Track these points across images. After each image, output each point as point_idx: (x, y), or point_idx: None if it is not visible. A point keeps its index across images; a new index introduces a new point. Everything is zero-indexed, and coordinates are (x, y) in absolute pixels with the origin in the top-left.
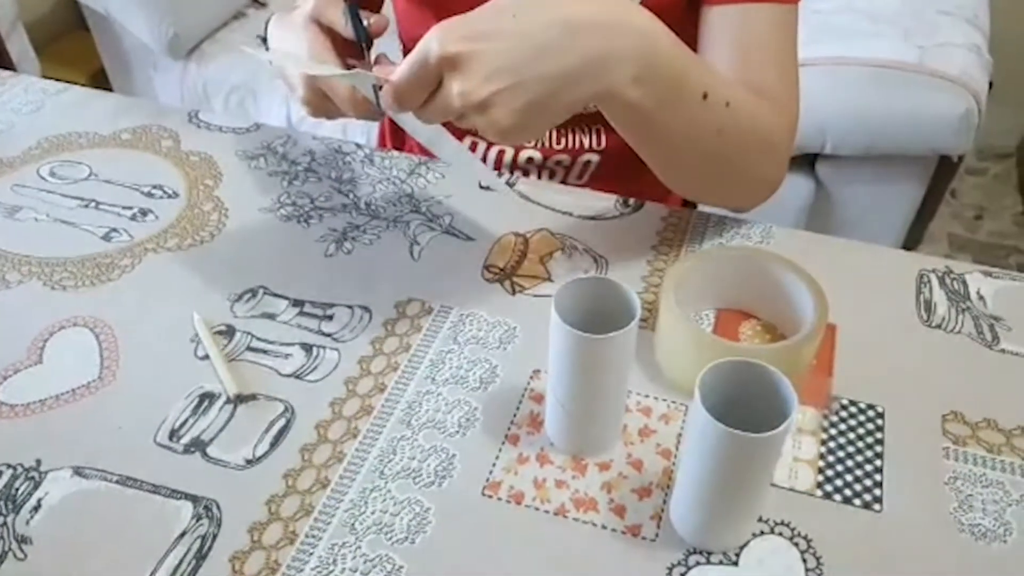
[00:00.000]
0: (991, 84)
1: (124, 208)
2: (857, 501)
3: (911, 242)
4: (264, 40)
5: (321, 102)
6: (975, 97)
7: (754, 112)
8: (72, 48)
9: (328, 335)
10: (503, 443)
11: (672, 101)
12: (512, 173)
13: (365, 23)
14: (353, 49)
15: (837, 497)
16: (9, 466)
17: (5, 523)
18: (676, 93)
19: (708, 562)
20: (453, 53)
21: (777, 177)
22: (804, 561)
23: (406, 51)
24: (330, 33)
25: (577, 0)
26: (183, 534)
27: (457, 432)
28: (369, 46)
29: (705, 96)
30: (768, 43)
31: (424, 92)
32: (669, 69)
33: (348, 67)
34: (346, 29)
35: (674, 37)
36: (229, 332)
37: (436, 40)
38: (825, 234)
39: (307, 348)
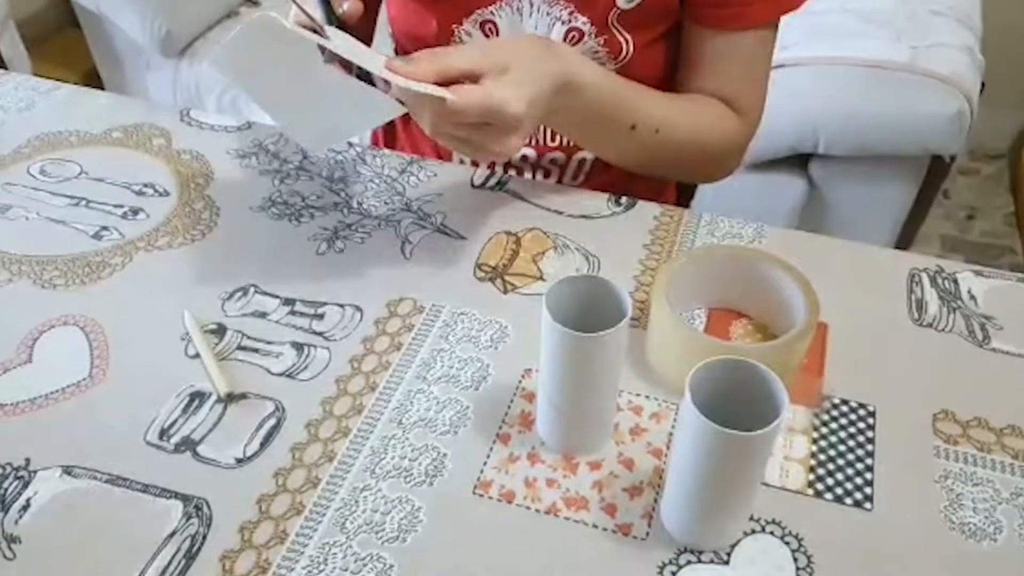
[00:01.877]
0: (983, 85)
1: (115, 206)
2: (848, 500)
3: (903, 242)
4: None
5: None
6: (967, 97)
7: (691, 131)
8: (64, 46)
9: (319, 334)
10: (494, 442)
11: (600, 134)
12: (506, 172)
13: (340, 11)
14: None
15: (828, 496)
16: None
17: None
18: (604, 129)
19: (699, 561)
20: (522, 115)
21: (724, 169)
22: (795, 560)
23: (400, 49)
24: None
25: (551, 59)
26: (173, 533)
27: (448, 431)
28: (338, 24)
29: (633, 127)
30: (744, 61)
31: (477, 120)
32: (597, 113)
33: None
34: (315, 10)
35: (607, 82)
36: (220, 331)
37: (516, 101)
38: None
39: (298, 347)
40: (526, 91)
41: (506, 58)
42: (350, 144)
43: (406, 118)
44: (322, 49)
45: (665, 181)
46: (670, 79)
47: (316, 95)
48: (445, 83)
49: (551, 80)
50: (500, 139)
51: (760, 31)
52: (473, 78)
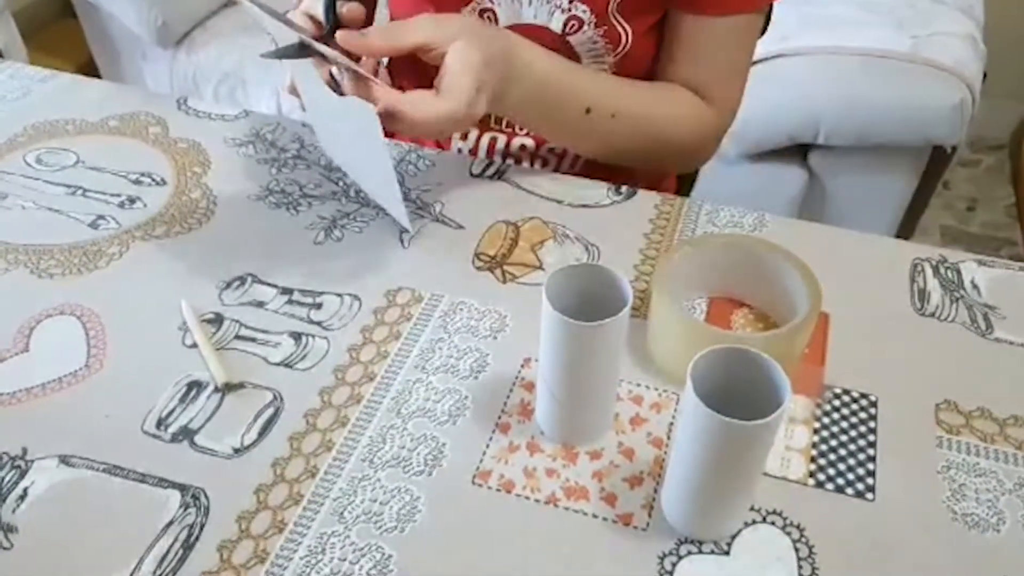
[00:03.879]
0: (985, 74)
1: (112, 195)
2: (850, 490)
3: (903, 233)
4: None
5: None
6: (969, 87)
7: (650, 117)
8: (60, 37)
9: (317, 323)
10: (493, 432)
11: (552, 117)
12: (504, 161)
13: (339, 9)
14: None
15: (829, 486)
16: None
17: None
18: (555, 111)
19: (700, 551)
20: (477, 105)
21: (694, 158)
22: (796, 550)
23: None
24: (318, 25)
25: (495, 30)
26: (171, 523)
27: (447, 421)
28: (334, 27)
29: (588, 111)
30: (721, 49)
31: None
32: (545, 95)
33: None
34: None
35: (558, 66)
36: (217, 320)
37: (486, 75)
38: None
39: (296, 336)
40: (473, 78)
41: (456, 28)
42: None
43: None
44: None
45: (664, 171)
46: None
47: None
48: (398, 57)
49: (500, 45)
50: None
51: (741, 18)
52: (425, 51)
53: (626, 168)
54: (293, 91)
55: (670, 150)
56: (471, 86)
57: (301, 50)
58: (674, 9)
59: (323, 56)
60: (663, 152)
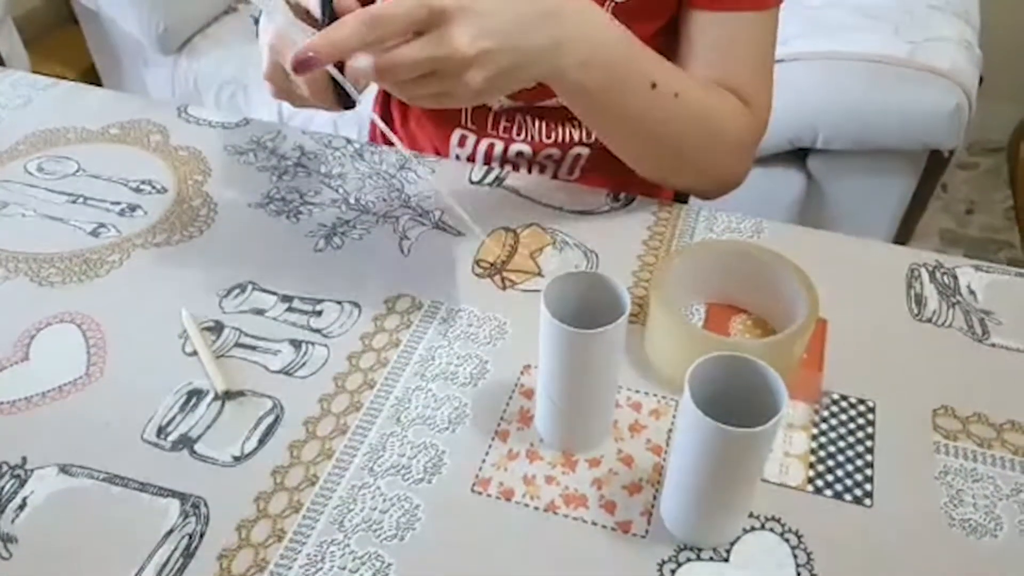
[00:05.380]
0: (981, 79)
1: (112, 203)
2: (848, 496)
3: (902, 237)
4: (257, 21)
5: (283, 80)
6: (966, 91)
7: (709, 106)
8: (62, 43)
9: (317, 331)
10: (493, 439)
11: (616, 87)
12: (502, 168)
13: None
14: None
15: (828, 492)
16: None
17: None
18: (620, 80)
19: (699, 558)
20: (452, 4)
21: (736, 170)
22: (795, 556)
23: None
24: (309, 17)
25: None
26: (170, 532)
27: (447, 428)
28: (330, 20)
29: (653, 86)
30: (745, 46)
31: (405, 30)
32: (614, 58)
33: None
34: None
35: (625, 32)
36: (217, 328)
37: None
38: (816, 228)
39: (296, 344)
40: (482, 23)
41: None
42: (348, 140)
43: (404, 114)
44: None
45: (698, 188)
46: None
47: None
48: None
49: (528, 6)
50: (448, 38)
51: (760, 14)
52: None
53: (624, 174)
54: (271, 76)
55: (723, 153)
56: None
57: None
58: (689, 11)
59: None
60: (715, 153)
